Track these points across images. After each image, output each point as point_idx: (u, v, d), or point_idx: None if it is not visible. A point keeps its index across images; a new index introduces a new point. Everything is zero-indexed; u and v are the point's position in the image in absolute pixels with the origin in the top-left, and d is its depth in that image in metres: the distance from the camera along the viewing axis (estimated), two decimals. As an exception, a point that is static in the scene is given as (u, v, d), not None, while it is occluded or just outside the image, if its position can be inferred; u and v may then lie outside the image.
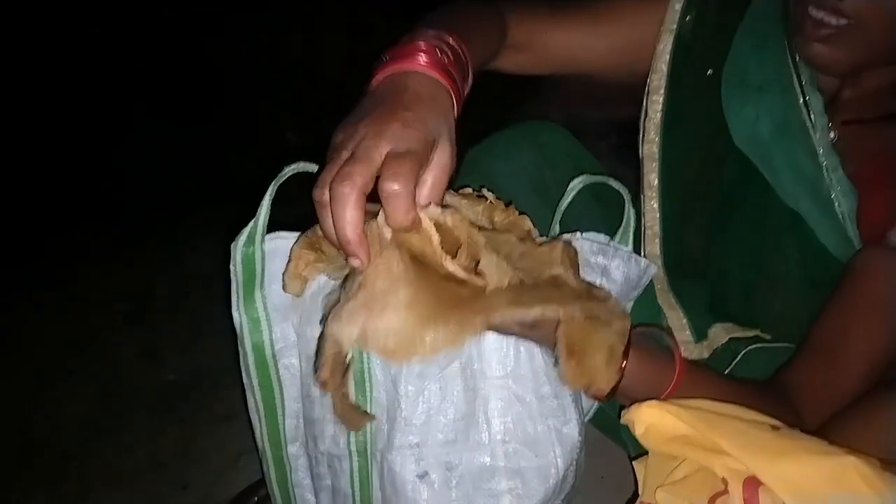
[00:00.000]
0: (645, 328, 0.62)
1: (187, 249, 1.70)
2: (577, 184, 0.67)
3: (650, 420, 0.54)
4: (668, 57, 0.82)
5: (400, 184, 0.45)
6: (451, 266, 0.49)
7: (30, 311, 1.56)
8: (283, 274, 0.58)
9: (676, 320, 0.86)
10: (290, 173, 0.57)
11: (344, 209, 0.45)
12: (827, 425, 0.66)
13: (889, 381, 0.65)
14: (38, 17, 3.11)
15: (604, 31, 0.83)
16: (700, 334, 0.85)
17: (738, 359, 0.83)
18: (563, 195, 0.71)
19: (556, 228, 0.75)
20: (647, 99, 0.85)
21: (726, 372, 0.82)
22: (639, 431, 0.55)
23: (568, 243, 0.58)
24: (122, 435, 1.23)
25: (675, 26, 0.81)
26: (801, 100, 0.75)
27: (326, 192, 0.46)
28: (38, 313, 1.56)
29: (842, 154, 0.75)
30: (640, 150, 0.86)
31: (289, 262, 0.58)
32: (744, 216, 0.82)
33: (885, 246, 0.72)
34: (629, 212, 0.69)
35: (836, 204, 0.74)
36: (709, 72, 0.81)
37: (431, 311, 0.48)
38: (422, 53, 0.54)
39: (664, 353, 0.61)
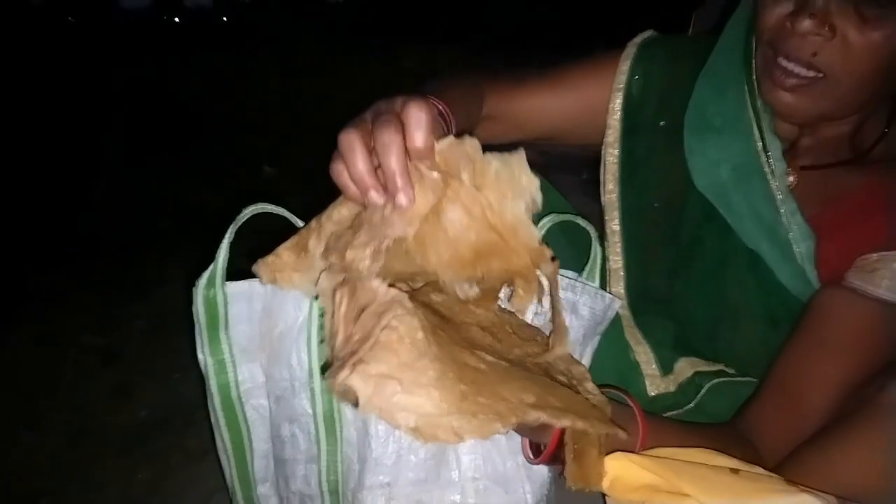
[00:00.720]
0: (605, 391, 0.63)
1: (161, 285, 1.69)
2: (545, 222, 0.68)
3: (616, 472, 0.55)
4: (619, 114, 0.87)
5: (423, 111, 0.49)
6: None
7: None
8: (259, 260, 0.55)
9: (643, 355, 0.87)
10: (249, 215, 0.57)
11: (391, 151, 0.48)
12: (786, 462, 0.67)
13: (845, 414, 0.66)
14: (16, 52, 3.10)
15: (561, 95, 0.89)
16: (667, 368, 0.87)
17: (702, 391, 0.84)
18: None
19: None
20: (603, 152, 0.90)
21: (692, 404, 0.83)
22: (605, 485, 0.56)
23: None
24: (93, 474, 1.21)
25: (622, 86, 0.87)
26: (760, 144, 0.77)
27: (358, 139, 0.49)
28: (8, 352, 1.53)
29: (800, 199, 0.77)
30: (602, 199, 0.91)
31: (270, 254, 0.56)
32: (705, 256, 0.84)
33: (844, 287, 0.73)
34: (596, 249, 0.71)
35: (795, 247, 0.76)
36: (661, 123, 0.85)
37: (461, 396, 0.46)
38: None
39: (625, 410, 0.62)
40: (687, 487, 0.51)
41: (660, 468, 0.53)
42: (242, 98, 3.10)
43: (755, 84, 0.77)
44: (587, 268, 0.70)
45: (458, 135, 0.54)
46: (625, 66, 0.87)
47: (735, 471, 0.54)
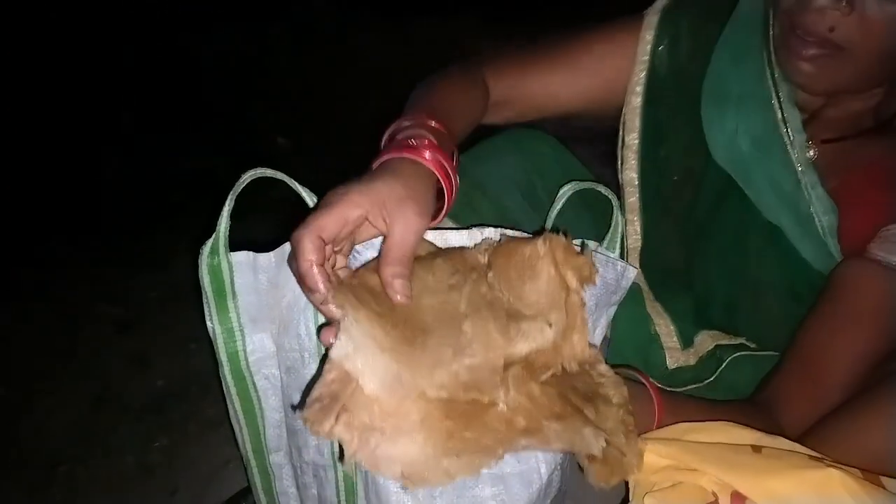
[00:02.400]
0: (619, 371, 0.61)
1: (177, 255, 1.69)
2: (566, 190, 0.66)
3: None
4: (641, 88, 0.83)
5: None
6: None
7: (18, 321, 1.55)
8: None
9: (664, 327, 0.86)
10: (248, 180, 0.56)
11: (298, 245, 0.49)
12: (809, 435, 0.65)
13: (869, 387, 0.65)
14: (23, 24, 3.10)
15: (579, 71, 0.84)
16: (687, 342, 0.86)
17: (723, 365, 0.83)
18: (552, 201, 0.71)
19: None
20: (622, 128, 0.86)
21: (713, 378, 0.82)
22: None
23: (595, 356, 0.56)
24: (110, 442, 1.23)
25: (646, 57, 0.82)
26: (780, 115, 0.75)
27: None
28: (25, 322, 1.55)
29: (822, 171, 0.75)
30: (620, 177, 0.88)
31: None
32: (725, 230, 0.82)
33: (867, 258, 0.71)
34: (617, 217, 0.69)
35: (817, 220, 0.74)
36: (684, 95, 0.81)
37: (447, 435, 0.45)
38: (405, 150, 0.57)
39: (640, 389, 0.61)
40: (708, 467, 0.50)
41: (677, 452, 0.52)
42: (254, 69, 3.07)
43: (773, 53, 0.74)
44: (608, 236, 0.68)
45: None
46: (648, 35, 0.82)
47: (757, 449, 0.53)
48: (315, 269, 0.48)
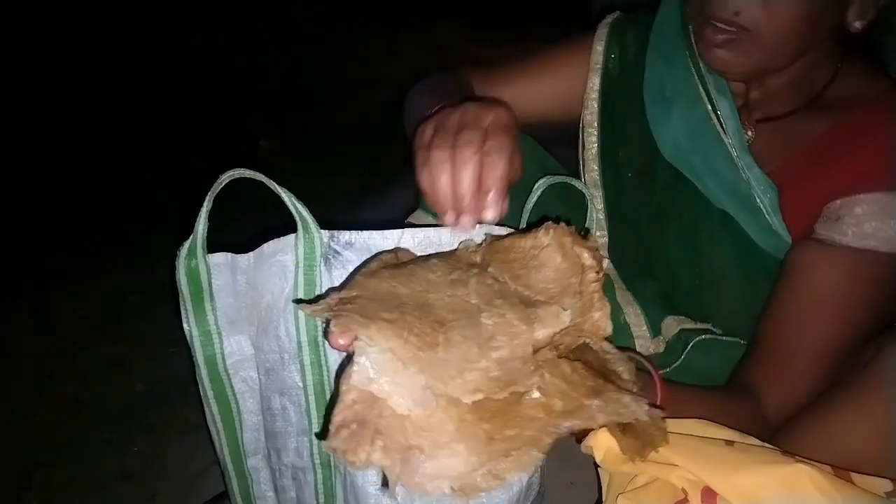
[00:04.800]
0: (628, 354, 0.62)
1: (157, 257, 1.68)
2: (541, 184, 0.67)
3: (608, 444, 0.55)
4: (597, 92, 0.90)
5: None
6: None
7: (-3, 323, 1.53)
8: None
9: (634, 316, 0.90)
10: (226, 181, 0.56)
11: (465, 175, 0.53)
12: (783, 430, 0.66)
13: (842, 379, 0.66)
14: (11, 27, 3.06)
15: (542, 82, 0.92)
16: (656, 330, 0.88)
17: (688, 348, 0.84)
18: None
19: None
20: (582, 133, 0.93)
21: (678, 362, 0.84)
22: (598, 457, 0.56)
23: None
24: (88, 446, 1.21)
25: (599, 66, 0.89)
26: (710, 106, 0.79)
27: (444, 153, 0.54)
28: (3, 325, 1.53)
29: (761, 152, 0.78)
30: (583, 179, 0.94)
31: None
32: (680, 219, 0.86)
33: (814, 239, 0.72)
34: (592, 211, 0.70)
35: (758, 199, 0.76)
36: (636, 97, 0.86)
37: (487, 439, 0.42)
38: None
39: (641, 375, 0.61)
40: (679, 460, 0.51)
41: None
42: (240, 71, 3.06)
43: (695, 48, 0.78)
44: (583, 231, 0.69)
45: None
46: (599, 45, 0.89)
47: (730, 443, 0.53)
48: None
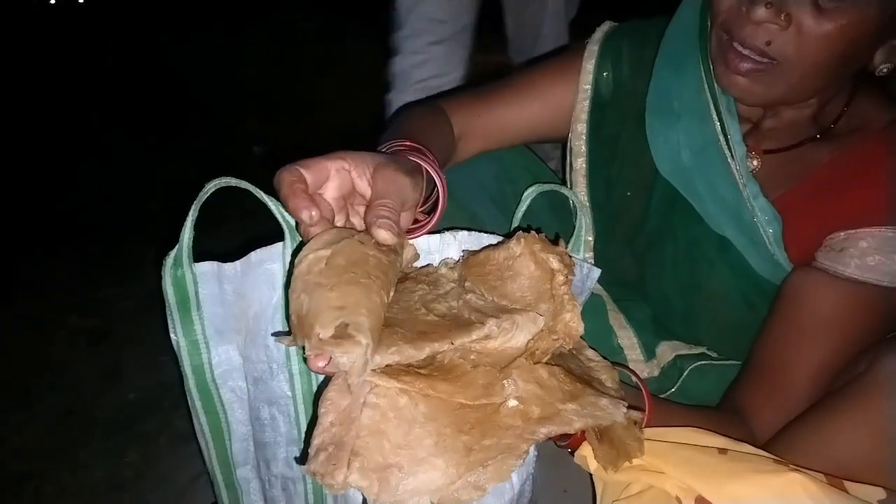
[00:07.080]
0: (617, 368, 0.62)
1: (149, 265, 1.67)
2: (531, 192, 0.67)
3: None
4: (585, 115, 0.86)
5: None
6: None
7: (-12, 331, 1.52)
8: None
9: (627, 339, 0.88)
10: (213, 190, 0.56)
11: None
12: (776, 439, 0.66)
13: (833, 392, 0.65)
14: (8, 32, 3.05)
15: (527, 104, 0.88)
16: (650, 353, 0.86)
17: (684, 375, 0.83)
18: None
19: None
20: (569, 153, 0.89)
21: (675, 388, 0.83)
22: (592, 467, 0.55)
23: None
24: (79, 456, 1.20)
25: (588, 87, 0.85)
26: (719, 127, 0.75)
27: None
28: (-3, 333, 1.52)
29: (766, 181, 0.75)
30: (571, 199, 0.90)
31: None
32: (676, 241, 0.83)
33: (815, 268, 0.72)
34: (581, 219, 0.70)
35: (761, 229, 0.75)
36: (630, 113, 0.83)
37: (465, 450, 0.43)
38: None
39: (630, 390, 0.61)
40: (672, 470, 0.50)
41: (646, 454, 0.52)
42: (231, 78, 3.06)
43: (711, 65, 0.74)
44: (573, 239, 0.69)
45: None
46: (589, 65, 0.85)
47: (723, 451, 0.53)
48: (297, 188, 0.49)
